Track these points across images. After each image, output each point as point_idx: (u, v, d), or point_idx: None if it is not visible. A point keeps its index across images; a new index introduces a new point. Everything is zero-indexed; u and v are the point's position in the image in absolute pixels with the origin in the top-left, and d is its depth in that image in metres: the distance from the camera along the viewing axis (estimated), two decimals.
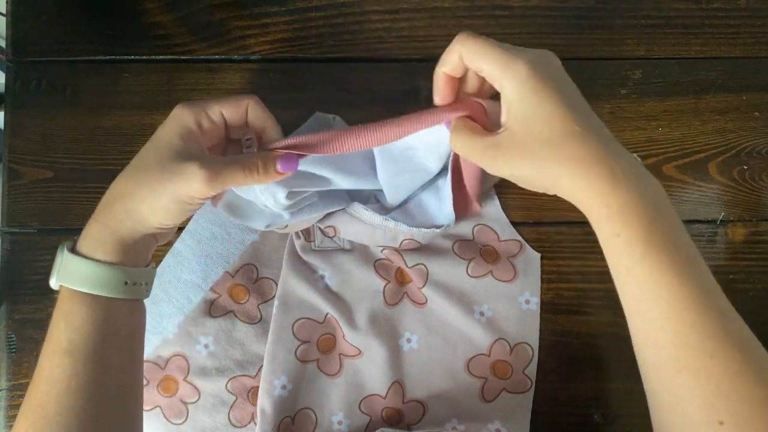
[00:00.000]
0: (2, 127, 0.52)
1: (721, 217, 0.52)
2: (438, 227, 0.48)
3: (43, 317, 0.50)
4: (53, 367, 0.36)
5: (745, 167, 0.53)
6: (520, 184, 0.36)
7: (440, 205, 0.48)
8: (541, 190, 0.35)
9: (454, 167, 0.45)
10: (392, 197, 0.48)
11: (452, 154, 0.44)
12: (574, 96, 0.35)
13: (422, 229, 0.47)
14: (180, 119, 0.38)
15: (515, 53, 0.34)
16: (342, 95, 0.52)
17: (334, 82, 0.52)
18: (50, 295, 0.50)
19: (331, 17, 0.53)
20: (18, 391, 0.50)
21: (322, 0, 0.53)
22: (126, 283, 0.38)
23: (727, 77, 0.53)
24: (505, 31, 0.53)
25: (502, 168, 0.35)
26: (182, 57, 0.52)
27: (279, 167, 0.38)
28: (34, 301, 0.50)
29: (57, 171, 0.51)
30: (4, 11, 0.52)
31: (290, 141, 0.39)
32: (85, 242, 0.38)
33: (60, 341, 0.36)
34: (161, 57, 0.52)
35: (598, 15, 0.53)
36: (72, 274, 0.37)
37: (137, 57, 0.52)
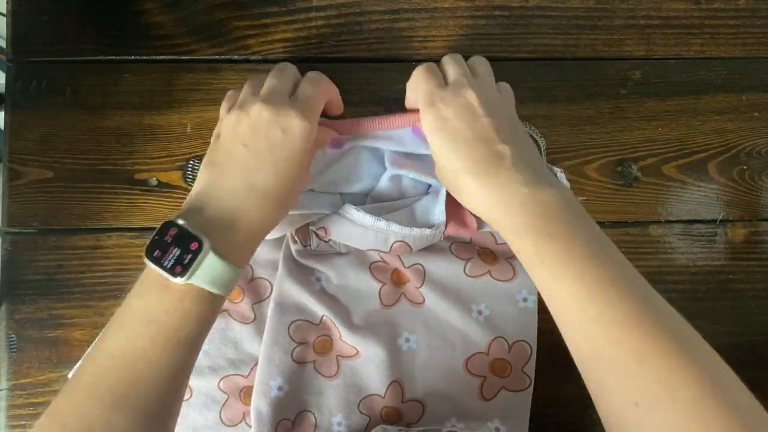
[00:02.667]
0: (2, 127, 0.52)
1: (721, 217, 0.52)
2: (430, 227, 0.47)
3: (43, 317, 0.50)
4: (160, 354, 0.36)
5: (745, 167, 0.53)
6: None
7: (433, 207, 0.48)
8: (466, 204, 0.42)
9: None
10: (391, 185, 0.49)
11: None
12: (479, 129, 0.40)
13: (414, 228, 0.46)
14: (307, 135, 0.40)
15: (433, 97, 0.41)
16: (342, 95, 0.52)
17: (334, 82, 0.52)
18: (50, 296, 0.50)
19: (331, 17, 0.53)
20: (18, 391, 0.50)
21: (323, 0, 0.53)
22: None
23: (727, 77, 0.53)
24: (505, 31, 0.53)
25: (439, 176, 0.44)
26: (182, 57, 0.52)
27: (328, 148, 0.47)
28: (34, 301, 0.50)
29: (57, 171, 0.51)
30: (4, 11, 0.52)
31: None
32: (225, 245, 0.38)
33: (180, 335, 0.37)
34: (161, 57, 0.52)
35: (598, 15, 0.53)
36: (213, 277, 0.37)
37: (137, 57, 0.52)
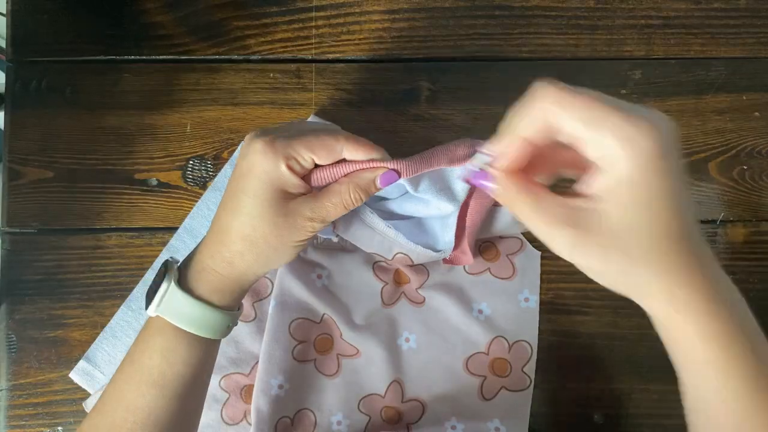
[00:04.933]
0: (2, 127, 0.52)
1: (721, 217, 0.52)
2: (436, 251, 0.46)
3: (43, 317, 0.50)
4: (138, 397, 0.36)
5: (745, 167, 0.53)
6: (584, 270, 0.30)
7: (442, 231, 0.46)
8: (608, 286, 0.30)
9: (463, 209, 0.43)
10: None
11: (467, 195, 0.41)
12: (685, 188, 0.28)
13: (419, 246, 0.45)
14: (271, 167, 0.35)
15: (637, 120, 0.26)
16: (342, 95, 0.52)
17: (334, 82, 0.52)
18: (50, 296, 0.50)
19: (331, 17, 0.53)
20: (18, 391, 0.50)
21: (322, 0, 0.53)
22: (228, 327, 0.39)
23: (727, 77, 0.53)
24: (506, 31, 0.53)
25: (572, 251, 0.28)
26: (182, 57, 0.52)
27: (379, 182, 0.37)
28: (34, 301, 0.50)
29: (57, 171, 0.51)
30: (4, 11, 0.52)
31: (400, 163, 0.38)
32: (202, 285, 0.37)
33: (152, 374, 0.36)
34: (161, 57, 0.52)
35: (598, 15, 0.53)
36: (184, 314, 0.36)
37: (137, 57, 0.52)
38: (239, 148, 0.45)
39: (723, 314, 0.29)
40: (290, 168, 0.35)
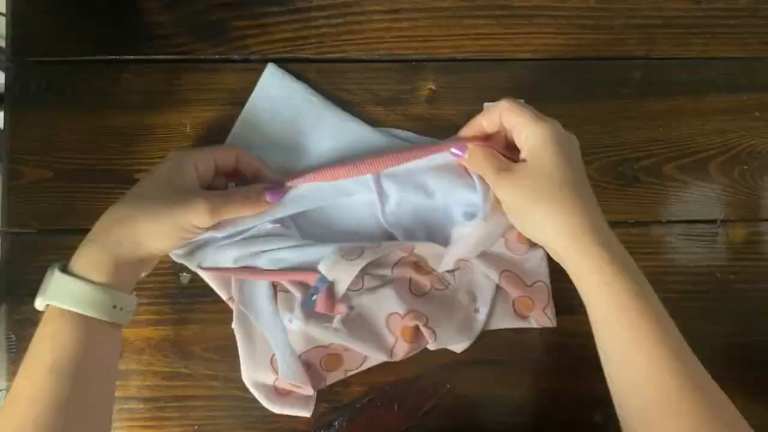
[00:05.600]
0: (2, 127, 0.52)
1: (721, 217, 0.52)
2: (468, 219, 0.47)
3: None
4: (35, 388, 0.37)
5: (746, 167, 0.52)
6: (511, 216, 0.44)
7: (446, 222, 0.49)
8: (522, 230, 0.44)
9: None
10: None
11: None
12: (579, 168, 0.42)
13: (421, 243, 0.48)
14: (179, 159, 0.43)
15: (542, 123, 0.41)
16: (342, 95, 0.52)
17: (334, 82, 0.52)
18: None
19: (331, 17, 0.52)
20: None
21: (322, 0, 0.53)
22: (114, 306, 0.39)
23: (727, 77, 0.53)
24: (506, 31, 0.53)
25: (505, 188, 0.42)
26: (182, 57, 0.52)
27: (267, 197, 0.44)
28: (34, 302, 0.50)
29: (57, 171, 0.51)
30: (4, 11, 0.52)
31: (293, 177, 0.46)
32: (79, 263, 0.39)
33: (45, 360, 0.37)
34: (161, 57, 0.52)
35: (598, 15, 0.53)
36: (64, 294, 0.38)
37: (137, 57, 0.52)
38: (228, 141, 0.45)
39: (613, 247, 0.39)
40: (195, 166, 0.43)
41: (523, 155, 0.42)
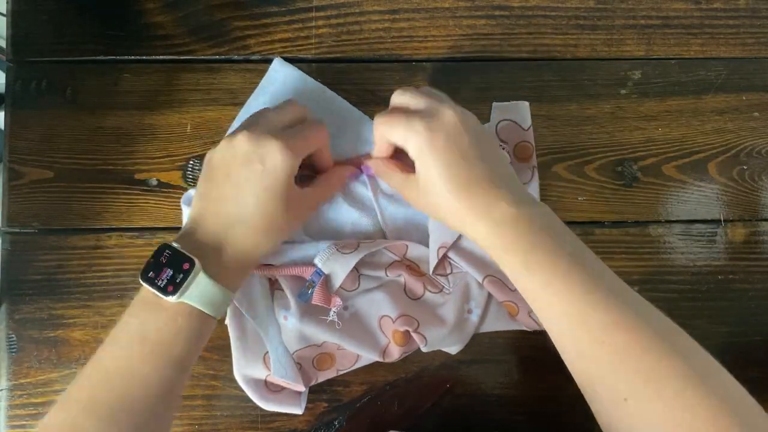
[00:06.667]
0: (2, 127, 0.52)
1: (721, 217, 0.52)
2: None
3: (44, 317, 0.50)
4: (155, 374, 0.38)
5: (745, 167, 0.53)
6: (412, 203, 0.45)
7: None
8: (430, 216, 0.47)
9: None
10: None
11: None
12: (467, 155, 0.40)
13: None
14: (290, 167, 0.41)
15: (413, 122, 0.40)
16: (342, 95, 0.52)
17: (334, 82, 0.52)
18: (51, 296, 0.50)
19: (331, 17, 0.53)
20: (18, 391, 0.50)
21: (322, 0, 0.53)
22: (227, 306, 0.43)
23: (727, 77, 0.53)
24: (505, 31, 0.53)
25: (409, 199, 0.45)
26: (182, 57, 0.52)
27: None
28: (34, 301, 0.50)
29: (57, 171, 0.51)
30: (4, 11, 0.52)
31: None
32: (221, 271, 0.40)
33: (172, 353, 0.39)
34: (161, 57, 0.52)
35: (598, 15, 0.53)
36: (205, 297, 0.39)
37: (137, 57, 0.52)
38: (231, 129, 0.45)
39: (519, 221, 0.39)
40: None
41: (413, 163, 0.42)
